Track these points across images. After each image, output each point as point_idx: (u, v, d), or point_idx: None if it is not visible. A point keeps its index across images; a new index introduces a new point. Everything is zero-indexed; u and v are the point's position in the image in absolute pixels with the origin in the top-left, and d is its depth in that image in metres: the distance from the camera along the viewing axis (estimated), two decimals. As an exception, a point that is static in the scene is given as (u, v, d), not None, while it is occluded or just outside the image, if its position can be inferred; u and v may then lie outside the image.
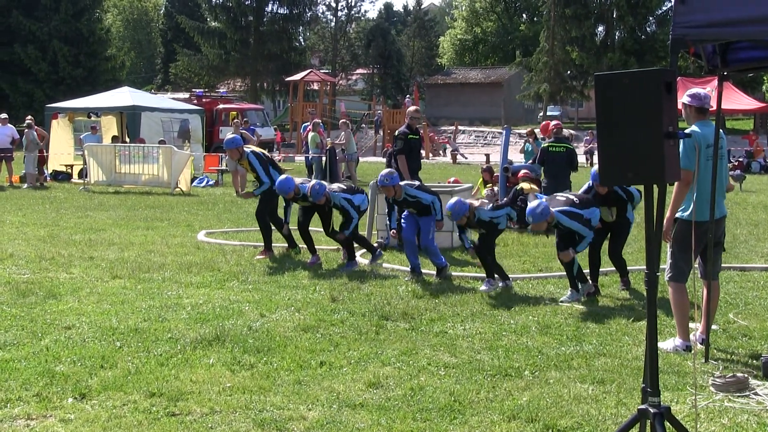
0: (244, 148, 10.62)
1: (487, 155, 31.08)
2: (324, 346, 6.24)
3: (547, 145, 13.00)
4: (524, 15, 67.83)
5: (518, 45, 64.29)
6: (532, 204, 8.02)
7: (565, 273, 8.15)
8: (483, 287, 8.39)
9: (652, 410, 3.77)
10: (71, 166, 23.41)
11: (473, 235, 9.01)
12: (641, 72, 3.81)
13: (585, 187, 8.50)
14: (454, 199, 8.66)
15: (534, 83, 50.28)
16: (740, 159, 26.92)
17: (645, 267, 3.91)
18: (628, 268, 8.56)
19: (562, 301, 7.82)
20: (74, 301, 7.74)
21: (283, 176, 10.00)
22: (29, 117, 23.88)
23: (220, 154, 23.43)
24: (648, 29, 50.92)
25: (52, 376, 5.43)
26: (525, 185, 12.79)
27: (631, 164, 3.78)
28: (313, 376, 5.55)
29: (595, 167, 8.08)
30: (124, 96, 24.86)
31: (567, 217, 7.78)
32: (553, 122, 13.92)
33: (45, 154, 22.17)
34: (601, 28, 51.92)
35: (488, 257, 8.58)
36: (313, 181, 10.08)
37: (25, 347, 6.13)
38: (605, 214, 8.23)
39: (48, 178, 22.23)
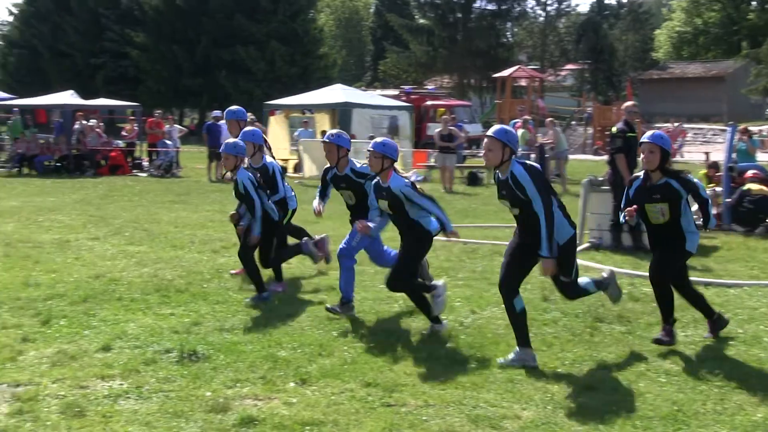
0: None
1: (707, 153, 29.17)
2: (536, 346, 6.08)
3: None
4: (753, 2, 63.05)
5: (745, 36, 59.95)
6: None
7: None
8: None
9: None
10: (287, 161, 24.61)
11: None
12: None
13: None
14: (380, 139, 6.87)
15: (763, 76, 46.54)
16: None
17: None
18: None
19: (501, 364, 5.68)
20: (293, 289, 8.09)
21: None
22: (251, 114, 25.41)
23: (429, 150, 23.73)
24: None
25: (275, 361, 5.69)
26: (753, 186, 11.93)
27: None
28: (527, 375, 5.44)
29: (653, 131, 6.13)
30: (336, 93, 25.74)
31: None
32: None
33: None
34: None
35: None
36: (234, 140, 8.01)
37: (249, 332, 6.49)
38: (653, 214, 6.14)
39: (267, 172, 23.45)
